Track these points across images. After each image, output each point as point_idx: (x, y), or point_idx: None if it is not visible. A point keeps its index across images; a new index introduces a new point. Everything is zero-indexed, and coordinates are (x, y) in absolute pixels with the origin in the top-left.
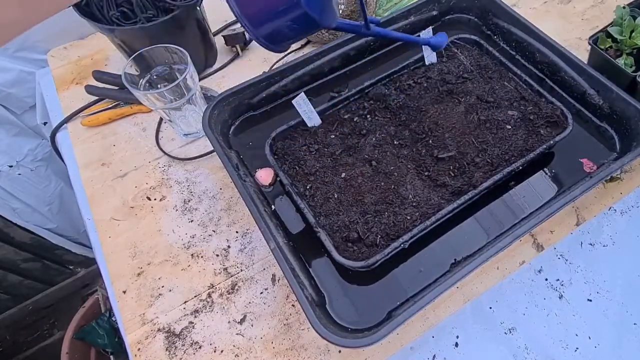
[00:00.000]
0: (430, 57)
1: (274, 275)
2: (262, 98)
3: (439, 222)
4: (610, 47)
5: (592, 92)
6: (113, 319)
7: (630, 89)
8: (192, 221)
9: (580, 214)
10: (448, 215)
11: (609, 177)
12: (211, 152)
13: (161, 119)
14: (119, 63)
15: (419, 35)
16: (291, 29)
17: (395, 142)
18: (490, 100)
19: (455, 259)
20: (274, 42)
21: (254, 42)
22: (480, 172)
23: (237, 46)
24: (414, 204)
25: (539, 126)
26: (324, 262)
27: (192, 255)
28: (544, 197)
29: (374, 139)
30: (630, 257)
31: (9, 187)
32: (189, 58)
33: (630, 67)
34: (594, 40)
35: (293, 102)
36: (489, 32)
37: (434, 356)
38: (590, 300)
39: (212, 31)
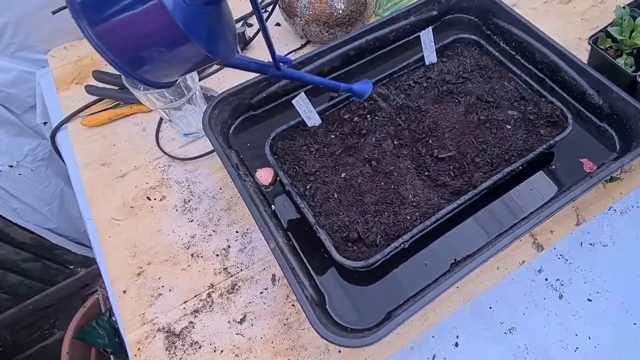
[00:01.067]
0: (430, 57)
1: (274, 275)
2: (262, 98)
3: (439, 222)
4: (610, 47)
5: (592, 92)
6: (113, 319)
7: (630, 89)
8: (192, 221)
9: (580, 214)
10: (448, 215)
11: (609, 177)
12: (211, 152)
13: (161, 119)
14: None
15: (418, 36)
16: (175, 63)
17: (395, 142)
18: (490, 100)
19: (455, 259)
20: (159, 79)
21: (254, 42)
22: (480, 172)
23: (237, 46)
24: (414, 204)
25: (539, 126)
26: (324, 262)
27: (192, 255)
28: (544, 197)
29: (374, 139)
30: (630, 257)
31: (9, 187)
32: None
33: (630, 67)
34: (594, 40)
35: (293, 102)
36: (489, 32)
37: (434, 356)
38: (590, 300)
39: None
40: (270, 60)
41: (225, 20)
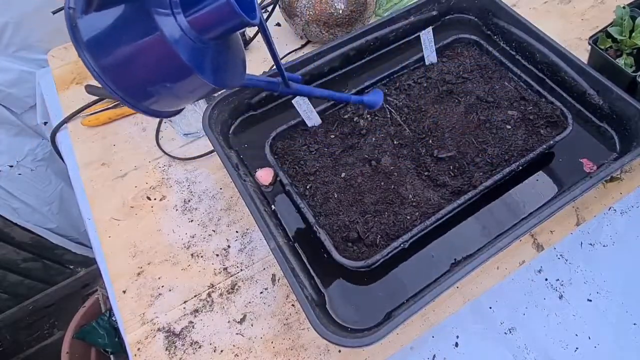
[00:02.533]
0: (430, 57)
1: (274, 275)
2: (262, 98)
3: (439, 222)
4: (610, 47)
5: (592, 92)
6: (113, 318)
7: (630, 89)
8: (192, 221)
9: (580, 214)
10: (448, 215)
11: (609, 177)
12: (211, 152)
13: (161, 119)
14: None
15: (418, 36)
16: (182, 95)
17: (395, 142)
18: (490, 100)
19: (455, 259)
20: (164, 108)
21: (254, 42)
22: (480, 172)
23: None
24: (414, 203)
25: (539, 126)
26: (324, 262)
27: (192, 255)
28: (544, 197)
29: (374, 139)
30: (630, 257)
31: (9, 187)
32: None
33: (630, 67)
34: (594, 40)
35: (293, 102)
36: (489, 32)
37: (434, 356)
38: (590, 300)
39: None
40: (279, 75)
41: (233, 50)
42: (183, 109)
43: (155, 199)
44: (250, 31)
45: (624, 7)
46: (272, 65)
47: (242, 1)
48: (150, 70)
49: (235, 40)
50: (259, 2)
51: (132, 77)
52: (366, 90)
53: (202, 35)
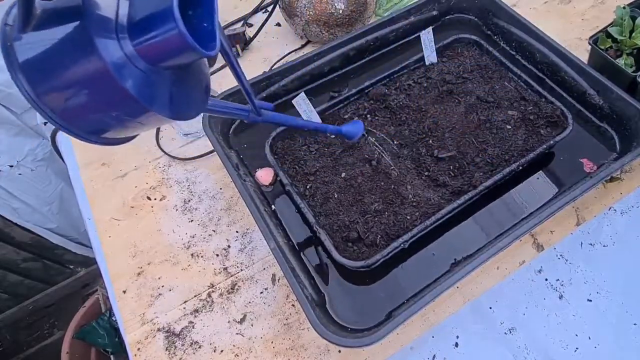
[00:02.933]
0: (430, 57)
1: (274, 275)
2: (262, 98)
3: (439, 222)
4: (610, 47)
5: (592, 92)
6: (113, 318)
7: (630, 89)
8: (192, 221)
9: (580, 214)
10: (448, 215)
11: (609, 177)
12: (211, 152)
13: None
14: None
15: (418, 36)
16: (131, 125)
17: (395, 142)
18: (490, 100)
19: (455, 259)
20: (113, 136)
21: (254, 42)
22: (480, 172)
23: (237, 46)
24: (414, 203)
25: (539, 126)
26: (324, 262)
27: (192, 255)
28: (544, 197)
29: (374, 139)
30: (630, 257)
31: (9, 187)
32: None
33: (630, 67)
34: (594, 40)
35: (293, 102)
36: (489, 32)
37: (434, 356)
38: (590, 301)
39: None
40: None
41: (193, 77)
42: (136, 136)
43: (155, 199)
44: (250, 31)
45: (624, 7)
46: (272, 65)
47: (201, 29)
48: (92, 98)
49: (196, 66)
50: (259, 3)
51: (73, 106)
52: (346, 118)
53: (152, 65)
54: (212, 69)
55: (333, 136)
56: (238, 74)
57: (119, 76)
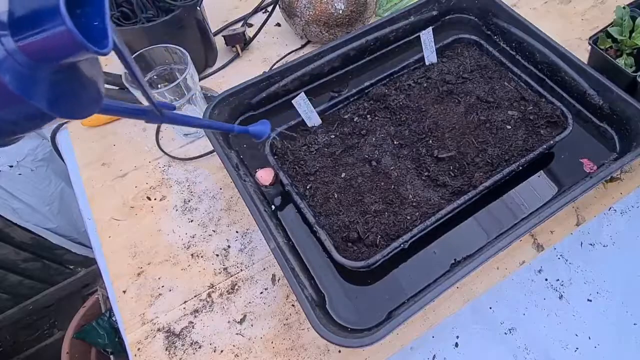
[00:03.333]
0: (430, 57)
1: (274, 275)
2: (262, 98)
3: (439, 222)
4: (610, 47)
5: (592, 92)
6: (113, 318)
7: (630, 89)
8: (192, 221)
9: (580, 214)
10: (448, 215)
11: (609, 177)
12: (211, 152)
13: None
14: (119, 63)
15: (418, 36)
16: (19, 124)
17: (395, 142)
18: (490, 100)
19: (455, 259)
20: None
21: (254, 42)
22: (480, 172)
23: (237, 46)
24: (414, 204)
25: (539, 126)
26: (324, 262)
27: (192, 255)
28: (544, 197)
29: (374, 139)
30: (630, 257)
31: (9, 187)
32: (189, 58)
33: (630, 67)
34: (594, 40)
35: (293, 102)
36: (489, 32)
37: (434, 356)
38: (590, 300)
39: (212, 31)
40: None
41: (83, 74)
42: (20, 137)
43: (155, 199)
44: (250, 31)
45: (624, 7)
46: (272, 65)
47: (91, 28)
48: None
49: (87, 65)
50: (259, 3)
51: None
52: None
53: (40, 63)
54: (211, 70)
55: (333, 136)
56: (135, 74)
57: None
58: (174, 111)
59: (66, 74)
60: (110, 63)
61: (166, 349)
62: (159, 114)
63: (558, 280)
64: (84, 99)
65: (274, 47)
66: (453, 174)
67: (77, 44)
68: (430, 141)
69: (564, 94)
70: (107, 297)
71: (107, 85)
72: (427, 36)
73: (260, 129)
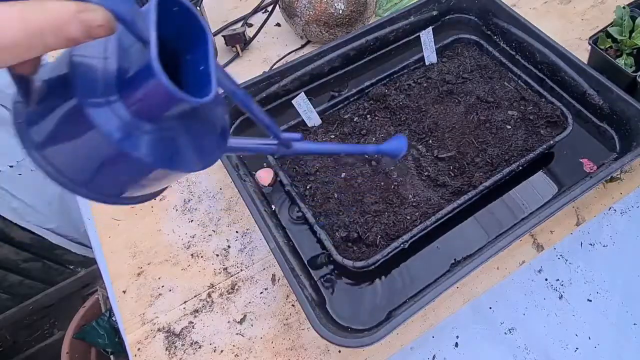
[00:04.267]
0: (430, 57)
1: (274, 275)
2: (262, 98)
3: (439, 222)
4: (610, 47)
5: (592, 92)
6: (113, 318)
7: (630, 89)
8: (192, 221)
9: (580, 214)
10: (448, 215)
11: (609, 177)
12: None
13: None
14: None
15: (418, 36)
16: (152, 184)
17: None
18: (490, 100)
19: (455, 259)
20: (138, 194)
21: (254, 42)
22: (480, 172)
23: (237, 46)
24: (414, 204)
25: (539, 126)
26: (324, 262)
27: (192, 255)
28: (544, 197)
29: (374, 139)
30: (630, 257)
31: (9, 187)
32: None
33: (630, 67)
34: (594, 40)
35: (293, 102)
36: (489, 32)
37: (434, 356)
38: (590, 301)
39: (212, 31)
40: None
41: (205, 121)
42: (161, 191)
43: (155, 199)
44: (250, 31)
45: (624, 7)
46: (272, 65)
47: (195, 73)
48: (108, 168)
49: (204, 111)
50: (259, 3)
51: (91, 176)
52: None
53: (150, 122)
54: None
55: (333, 136)
56: (254, 112)
57: (118, 141)
58: (301, 141)
59: (185, 127)
60: None
61: (166, 349)
62: (287, 147)
63: (558, 280)
64: (208, 146)
65: (274, 47)
66: (453, 174)
67: (173, 97)
68: (430, 141)
69: (564, 94)
70: (107, 297)
71: None
72: (427, 36)
73: (396, 146)
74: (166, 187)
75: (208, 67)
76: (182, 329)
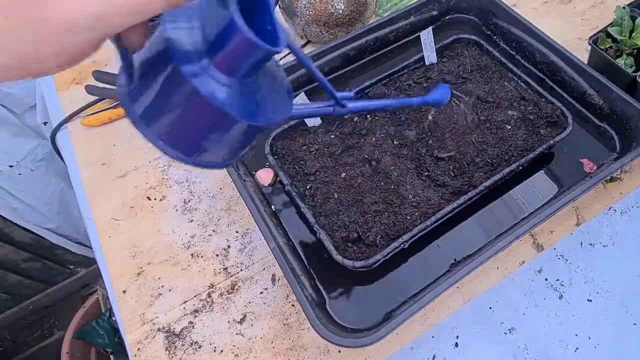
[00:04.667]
0: (430, 57)
1: (274, 275)
2: None
3: (439, 222)
4: (610, 47)
5: (592, 92)
6: (113, 318)
7: (630, 89)
8: (192, 221)
9: (580, 214)
10: (448, 215)
11: (609, 177)
12: None
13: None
14: (119, 63)
15: (418, 36)
16: (235, 142)
17: (395, 142)
18: (490, 100)
19: (455, 259)
20: (222, 160)
21: None
22: (480, 172)
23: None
24: (414, 204)
25: (539, 126)
26: (324, 262)
27: (192, 255)
28: (544, 197)
29: (374, 139)
30: (630, 257)
31: (9, 187)
32: None
33: (630, 67)
34: (594, 40)
35: (293, 102)
36: (489, 32)
37: (434, 356)
38: (590, 301)
39: None
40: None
41: (274, 83)
42: (229, 164)
43: (155, 199)
44: None
45: (624, 7)
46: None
47: (267, 32)
48: (200, 126)
49: (272, 71)
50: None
51: (186, 136)
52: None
53: (232, 76)
54: None
55: (333, 136)
56: (312, 70)
57: (208, 95)
58: (353, 101)
59: (260, 84)
60: (111, 63)
61: (166, 349)
62: (342, 106)
63: (558, 280)
64: (280, 103)
65: None
66: (453, 174)
67: (255, 45)
68: (430, 141)
69: (564, 94)
70: (107, 297)
71: (107, 86)
72: (427, 36)
73: (441, 95)
74: (230, 163)
75: (274, 25)
76: (182, 329)
